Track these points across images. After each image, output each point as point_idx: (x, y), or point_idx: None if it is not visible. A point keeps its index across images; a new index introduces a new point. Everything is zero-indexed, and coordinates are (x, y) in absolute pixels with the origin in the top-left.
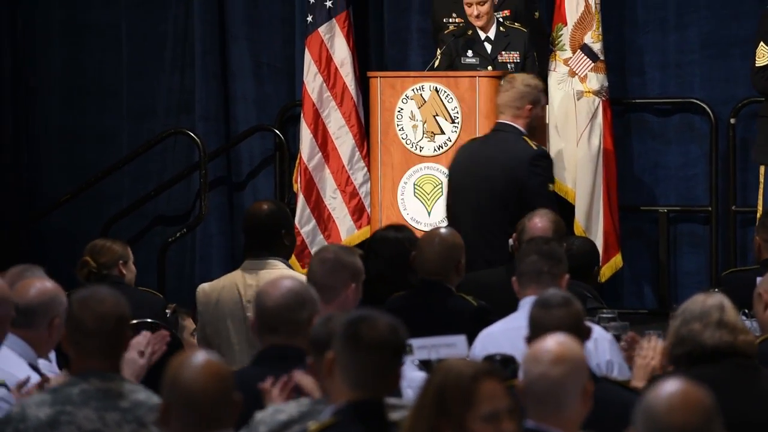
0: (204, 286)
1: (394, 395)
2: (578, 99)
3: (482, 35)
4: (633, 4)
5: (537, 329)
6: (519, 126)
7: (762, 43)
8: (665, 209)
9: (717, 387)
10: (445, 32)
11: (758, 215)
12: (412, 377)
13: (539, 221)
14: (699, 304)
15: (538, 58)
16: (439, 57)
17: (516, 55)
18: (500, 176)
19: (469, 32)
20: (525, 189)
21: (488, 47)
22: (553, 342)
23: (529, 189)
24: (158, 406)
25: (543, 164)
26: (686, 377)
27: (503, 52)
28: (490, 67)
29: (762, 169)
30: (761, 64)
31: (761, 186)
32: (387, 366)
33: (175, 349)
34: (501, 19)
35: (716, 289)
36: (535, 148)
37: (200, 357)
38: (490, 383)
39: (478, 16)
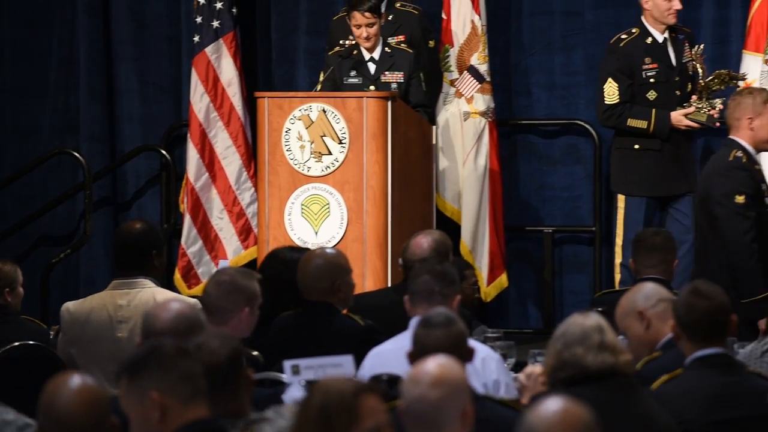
0: (69, 305)
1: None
2: (465, 120)
3: (366, 56)
4: (519, 26)
5: (419, 348)
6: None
7: (610, 79)
8: (550, 230)
9: (597, 407)
10: (330, 54)
11: (618, 241)
12: (299, 397)
13: (423, 240)
14: (578, 327)
15: (434, 84)
16: (321, 81)
17: (400, 75)
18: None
19: (354, 53)
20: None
21: (372, 67)
22: (434, 364)
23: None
24: (27, 427)
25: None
26: (567, 396)
27: (387, 72)
28: (372, 87)
29: (621, 197)
30: (611, 102)
31: (621, 213)
32: (229, 380)
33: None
34: (390, 41)
35: (599, 309)
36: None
37: (75, 381)
38: (370, 399)
39: (367, 38)
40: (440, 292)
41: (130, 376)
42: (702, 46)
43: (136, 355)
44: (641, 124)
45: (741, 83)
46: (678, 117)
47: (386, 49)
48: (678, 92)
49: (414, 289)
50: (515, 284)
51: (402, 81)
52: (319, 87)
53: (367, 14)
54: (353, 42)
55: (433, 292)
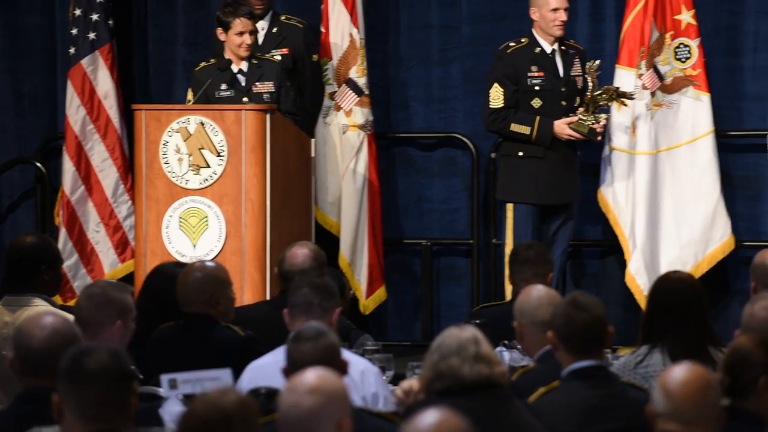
0: None
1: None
2: (343, 133)
3: (235, 68)
4: (397, 40)
5: (291, 363)
6: None
7: (496, 84)
8: (428, 242)
9: (473, 418)
10: (197, 70)
11: (507, 251)
12: (176, 411)
13: (299, 251)
14: (454, 339)
15: (317, 97)
16: (193, 99)
17: (270, 85)
18: None
19: (220, 67)
20: None
21: (242, 79)
22: (312, 374)
23: None
24: None
25: None
26: (443, 406)
27: (257, 83)
28: (245, 99)
29: (509, 206)
30: (496, 106)
31: (509, 222)
32: (113, 394)
33: None
34: (274, 53)
35: (477, 321)
36: None
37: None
38: (253, 414)
39: (249, 45)
40: (320, 305)
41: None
42: (597, 62)
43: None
44: (524, 129)
45: (629, 102)
46: (561, 126)
47: (253, 60)
48: (564, 103)
49: (293, 302)
50: (394, 297)
51: (273, 90)
52: (191, 104)
53: (246, 20)
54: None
55: (312, 305)
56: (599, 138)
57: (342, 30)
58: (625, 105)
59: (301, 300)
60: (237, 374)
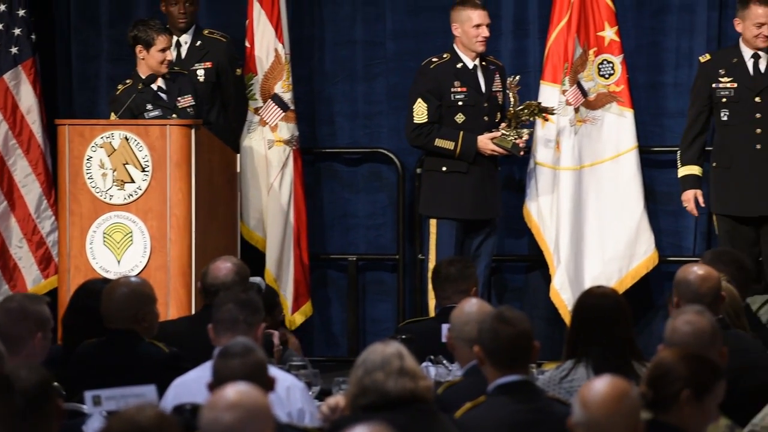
0: None
1: None
2: (269, 148)
3: (154, 87)
4: (322, 56)
5: (217, 378)
6: None
7: (420, 100)
8: (354, 258)
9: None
10: (117, 93)
11: (431, 266)
12: (100, 428)
13: (222, 265)
14: (379, 354)
15: (240, 111)
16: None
17: (190, 99)
18: None
19: (139, 86)
20: None
21: (164, 96)
22: (232, 389)
23: None
24: None
25: None
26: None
27: (179, 98)
28: (174, 115)
29: (433, 222)
30: (420, 122)
31: (432, 237)
32: (37, 412)
33: None
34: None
35: (403, 336)
36: None
37: None
38: (172, 429)
39: (169, 63)
40: (245, 321)
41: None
42: (518, 77)
43: None
44: (448, 144)
45: (551, 116)
46: (484, 141)
47: (166, 77)
48: (486, 118)
49: (218, 318)
50: (320, 312)
51: (194, 104)
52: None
53: (167, 36)
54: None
55: (237, 321)
56: (522, 153)
57: (267, 45)
58: (547, 120)
59: (226, 316)
60: (162, 391)
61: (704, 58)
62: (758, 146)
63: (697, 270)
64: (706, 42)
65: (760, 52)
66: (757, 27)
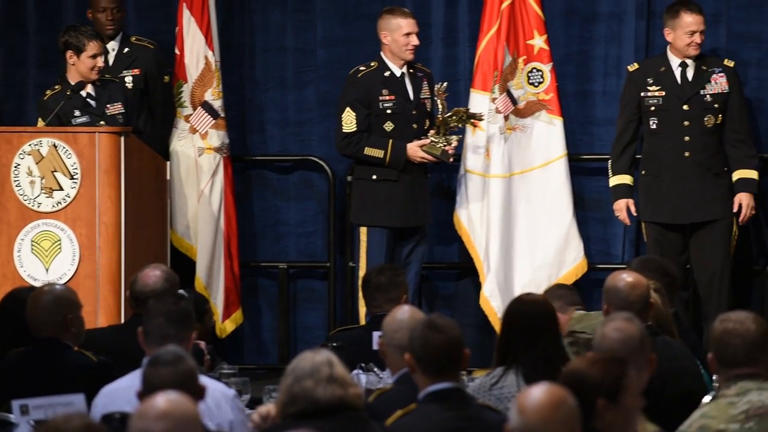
0: None
1: None
2: (199, 155)
3: (83, 93)
4: (253, 63)
5: (147, 387)
6: None
7: (348, 109)
8: (285, 265)
9: None
10: (45, 98)
11: (361, 274)
12: None
13: (151, 273)
14: (309, 361)
15: (168, 119)
16: (43, 125)
17: (119, 106)
18: None
19: (68, 92)
20: None
21: (93, 103)
22: (162, 399)
23: None
24: None
25: None
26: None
27: (109, 106)
28: (102, 122)
29: (363, 230)
30: (349, 131)
31: (363, 246)
32: None
33: None
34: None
35: (334, 344)
36: None
37: None
38: None
39: (99, 69)
40: (175, 336)
41: None
42: (445, 84)
43: None
44: (378, 153)
45: (480, 123)
46: (414, 149)
47: (96, 83)
48: (415, 125)
49: (148, 331)
50: (250, 320)
51: (123, 111)
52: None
53: (98, 42)
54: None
55: (167, 336)
56: (451, 160)
57: (197, 52)
58: (475, 126)
59: (157, 331)
60: (90, 400)
61: (632, 67)
62: (687, 154)
63: (626, 277)
64: (634, 51)
65: (687, 61)
66: (688, 35)
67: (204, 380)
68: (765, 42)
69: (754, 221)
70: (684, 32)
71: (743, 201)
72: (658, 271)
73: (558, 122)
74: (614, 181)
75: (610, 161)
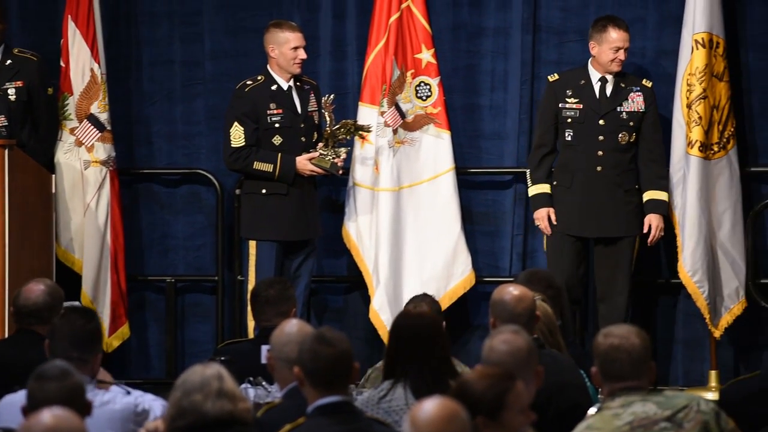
0: None
1: None
2: (85, 169)
3: None
4: (140, 76)
5: (32, 402)
6: None
7: (236, 123)
8: (173, 279)
9: None
10: None
11: (250, 288)
12: None
13: (35, 287)
14: (198, 375)
15: (52, 131)
16: None
17: (2, 119)
18: None
19: None
20: None
21: None
22: (48, 414)
23: None
24: None
25: None
26: None
27: None
28: None
29: (252, 243)
30: (237, 145)
31: (252, 259)
32: None
33: None
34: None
35: (222, 358)
36: None
37: None
38: None
39: None
40: (79, 358)
41: None
42: (332, 96)
43: None
44: (267, 167)
45: (368, 136)
46: (303, 162)
47: None
48: (303, 139)
49: (54, 352)
50: (137, 334)
51: (6, 124)
52: None
53: None
54: None
55: (71, 359)
56: (341, 172)
57: (83, 65)
58: (363, 138)
59: (61, 353)
60: None
61: (553, 77)
62: (599, 168)
63: (512, 290)
64: (520, 65)
65: (607, 76)
66: (614, 51)
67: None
68: (648, 58)
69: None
70: (609, 47)
71: (653, 222)
72: (543, 284)
73: (446, 136)
74: (533, 190)
75: (528, 171)
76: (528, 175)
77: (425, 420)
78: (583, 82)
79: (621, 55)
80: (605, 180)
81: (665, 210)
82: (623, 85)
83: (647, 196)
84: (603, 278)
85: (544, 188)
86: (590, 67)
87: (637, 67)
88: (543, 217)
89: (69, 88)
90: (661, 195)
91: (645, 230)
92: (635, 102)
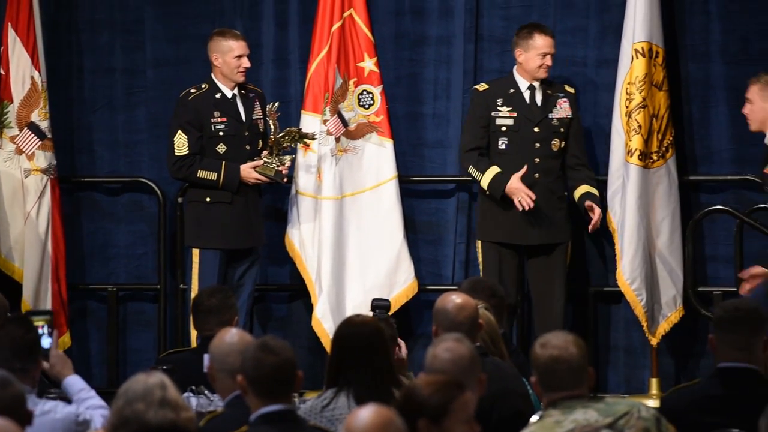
0: None
1: None
2: (26, 177)
3: None
4: (81, 84)
5: None
6: None
7: (180, 131)
8: (114, 288)
9: None
10: None
11: (193, 296)
12: None
13: None
14: (141, 384)
15: None
16: None
17: None
18: None
19: None
20: None
21: None
22: None
23: None
24: None
25: None
26: None
27: None
28: None
29: (195, 251)
30: (181, 153)
31: (195, 267)
32: None
33: None
34: None
35: (165, 367)
36: None
37: None
38: None
39: None
40: (21, 369)
41: None
42: (276, 104)
43: None
44: (211, 176)
45: (312, 143)
46: (247, 170)
47: None
48: (248, 147)
49: None
50: (79, 343)
51: None
52: None
53: None
54: None
55: (14, 370)
56: (285, 180)
57: (23, 73)
58: (308, 146)
59: (2, 363)
60: None
61: (481, 87)
62: (537, 176)
63: (455, 299)
64: (463, 74)
65: (535, 84)
66: (540, 57)
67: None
68: (589, 67)
69: (594, 241)
70: (536, 54)
71: (595, 209)
72: (486, 292)
73: (389, 144)
74: (487, 177)
75: (470, 168)
76: (472, 170)
77: (360, 427)
78: (512, 90)
79: (548, 60)
80: (542, 187)
81: (599, 203)
82: (550, 92)
83: (582, 190)
84: (539, 286)
85: (496, 169)
86: (516, 76)
87: (578, 76)
88: (517, 186)
89: (9, 96)
90: (594, 190)
91: (593, 216)
92: (563, 108)
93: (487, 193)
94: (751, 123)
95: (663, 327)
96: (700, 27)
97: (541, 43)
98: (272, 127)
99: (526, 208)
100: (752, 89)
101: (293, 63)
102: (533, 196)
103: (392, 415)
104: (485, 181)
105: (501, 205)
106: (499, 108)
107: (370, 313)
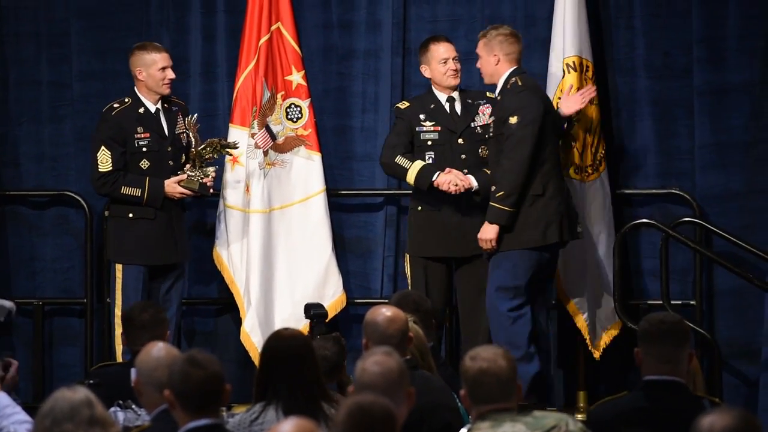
0: None
1: None
2: None
3: None
4: (6, 96)
5: None
6: None
7: (103, 147)
8: (40, 302)
9: None
10: None
11: (117, 312)
12: None
13: None
14: (67, 402)
15: None
16: None
17: None
18: None
19: None
20: None
21: None
22: None
23: None
24: None
25: None
26: None
27: None
28: None
29: (119, 267)
30: (105, 170)
31: (118, 282)
32: None
33: None
34: None
35: (91, 381)
36: None
37: None
38: None
39: None
40: None
41: None
42: (195, 116)
43: None
44: (135, 192)
45: (233, 151)
46: (171, 185)
47: None
48: (171, 162)
49: None
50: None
51: None
52: None
53: None
54: None
55: None
56: (211, 191)
57: None
58: (231, 155)
59: None
60: None
61: (403, 104)
62: None
63: (385, 311)
64: (390, 87)
65: (454, 95)
66: (443, 64)
67: None
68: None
69: None
70: (438, 62)
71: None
72: (413, 306)
73: (317, 157)
74: (413, 170)
75: (398, 157)
76: (399, 159)
77: None
78: (433, 105)
79: (452, 65)
80: (470, 198)
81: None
82: (470, 101)
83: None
84: (467, 299)
85: (421, 162)
86: (435, 90)
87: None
88: (449, 177)
89: None
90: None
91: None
92: (485, 114)
93: (414, 184)
94: (484, 77)
95: (604, 339)
96: (624, 42)
97: (437, 51)
98: (193, 139)
99: (461, 189)
100: (479, 45)
101: (221, 76)
102: (473, 185)
103: (314, 428)
104: (413, 170)
105: (428, 219)
106: (422, 123)
107: (306, 321)
